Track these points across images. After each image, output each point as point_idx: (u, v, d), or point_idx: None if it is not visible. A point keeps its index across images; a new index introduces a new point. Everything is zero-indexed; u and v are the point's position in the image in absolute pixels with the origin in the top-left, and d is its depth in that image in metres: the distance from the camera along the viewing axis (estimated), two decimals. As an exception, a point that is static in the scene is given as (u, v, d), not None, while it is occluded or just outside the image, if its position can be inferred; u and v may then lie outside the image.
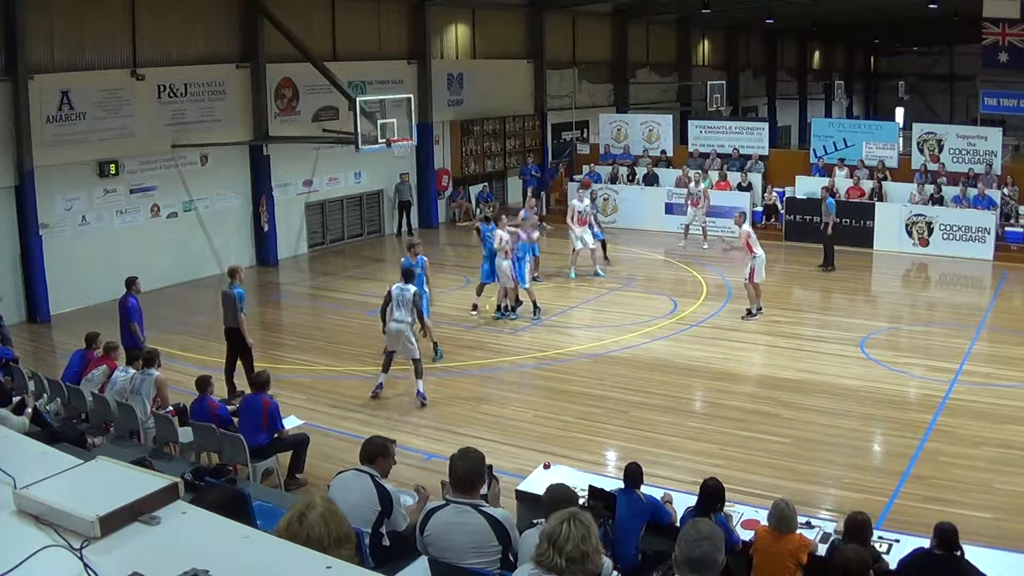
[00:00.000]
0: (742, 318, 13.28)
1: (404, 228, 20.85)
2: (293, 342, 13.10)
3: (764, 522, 5.79)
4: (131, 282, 10.86)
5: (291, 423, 8.71)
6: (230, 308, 10.49)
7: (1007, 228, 17.74)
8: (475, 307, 14.02)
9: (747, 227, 13.56)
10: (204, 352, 12.05)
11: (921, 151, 19.39)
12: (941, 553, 5.20)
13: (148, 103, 15.47)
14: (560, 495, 4.46)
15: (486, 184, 23.33)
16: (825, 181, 19.01)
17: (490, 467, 6.30)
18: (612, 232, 20.38)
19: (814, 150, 20.69)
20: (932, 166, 19.06)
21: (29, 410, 7.87)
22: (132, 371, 8.94)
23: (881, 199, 18.64)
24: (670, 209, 20.27)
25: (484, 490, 5.19)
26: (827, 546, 5.81)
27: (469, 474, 4.38)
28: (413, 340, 10.36)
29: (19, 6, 13.28)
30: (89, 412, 8.88)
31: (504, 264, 13.28)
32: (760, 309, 13.39)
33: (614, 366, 11.61)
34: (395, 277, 16.04)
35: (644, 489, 6.29)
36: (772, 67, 36.78)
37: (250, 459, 7.83)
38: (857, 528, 5.35)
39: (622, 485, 6.25)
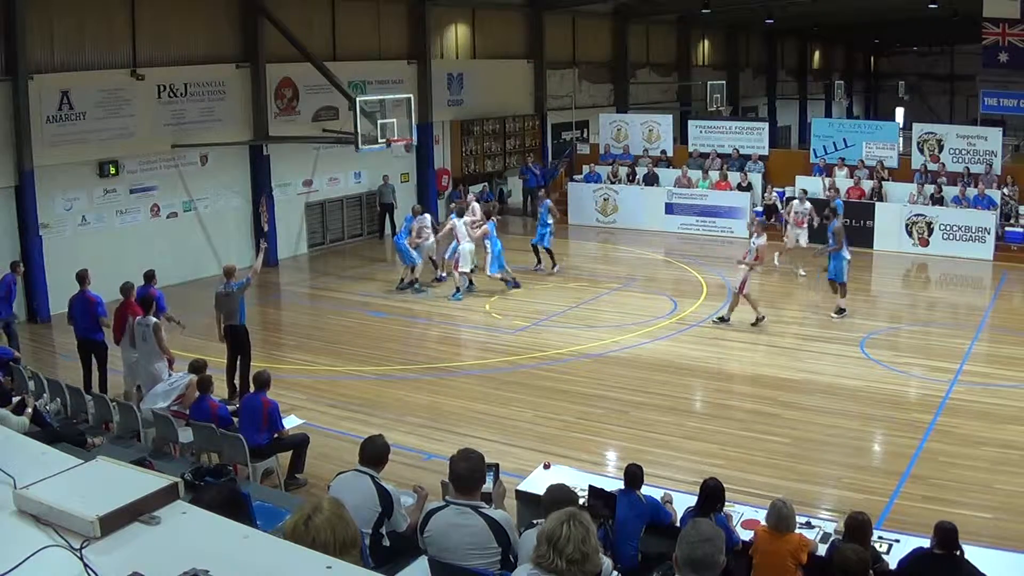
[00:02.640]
0: (752, 324, 12.98)
1: (388, 231, 20.36)
2: (293, 342, 13.11)
3: (763, 522, 5.79)
4: (151, 275, 10.93)
5: (291, 423, 8.71)
6: (227, 307, 10.46)
7: (1007, 228, 17.74)
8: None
9: (764, 240, 13.17)
10: (204, 352, 11.96)
11: (921, 151, 19.39)
12: (941, 553, 5.20)
13: (148, 103, 15.47)
14: (560, 495, 4.45)
15: (486, 184, 23.33)
16: (840, 182, 18.95)
17: (496, 466, 6.30)
18: (612, 232, 20.43)
19: (814, 150, 20.69)
20: (932, 166, 19.06)
21: (29, 410, 7.86)
22: (152, 319, 9.61)
23: (881, 199, 18.63)
24: (670, 209, 20.27)
25: (489, 487, 5.18)
26: (827, 546, 5.81)
27: (469, 475, 4.38)
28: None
29: (19, 6, 13.27)
30: (89, 412, 8.89)
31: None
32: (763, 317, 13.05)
33: (614, 366, 11.61)
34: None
35: (644, 489, 6.28)
36: (772, 67, 36.81)
37: (250, 459, 7.83)
38: (857, 528, 5.35)
39: (622, 486, 6.25)
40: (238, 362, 10.54)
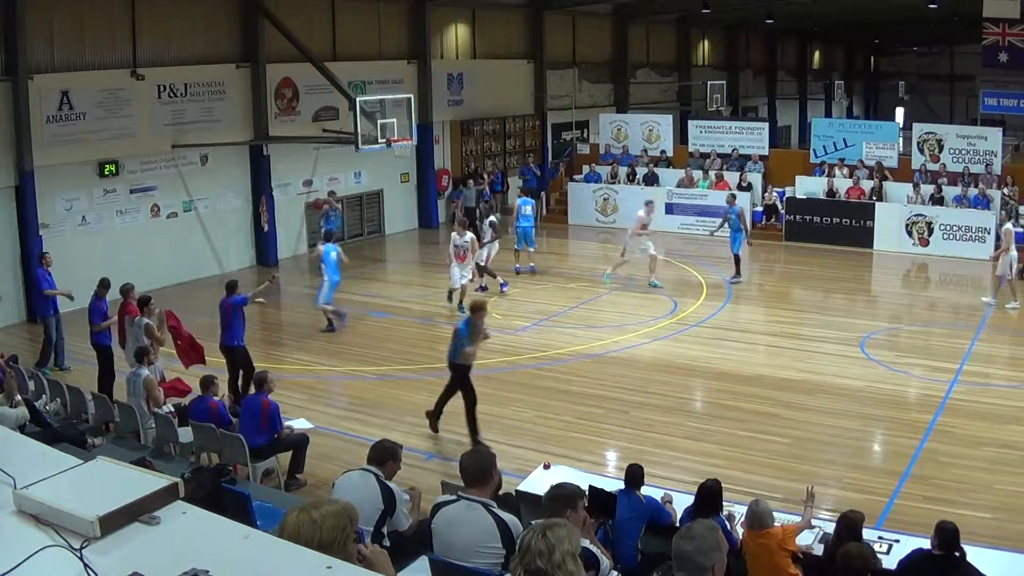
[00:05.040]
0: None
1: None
2: (293, 342, 13.10)
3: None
4: (233, 286, 10.50)
5: (301, 425, 8.74)
6: (456, 340, 9.29)
7: (1007, 228, 17.71)
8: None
9: None
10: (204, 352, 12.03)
11: (921, 151, 19.39)
12: (940, 554, 5.20)
13: (148, 103, 15.46)
14: (555, 494, 4.40)
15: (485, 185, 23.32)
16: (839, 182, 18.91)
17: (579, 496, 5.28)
18: (612, 232, 20.44)
19: (814, 150, 20.70)
20: (932, 166, 19.07)
21: (18, 397, 7.84)
22: (144, 320, 9.44)
23: (881, 199, 18.64)
24: (670, 209, 20.26)
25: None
26: (823, 545, 5.83)
27: (478, 471, 4.39)
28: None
29: (19, 6, 13.27)
30: (89, 412, 8.90)
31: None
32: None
33: (614, 366, 11.61)
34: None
35: (644, 489, 6.29)
36: (772, 67, 36.77)
37: (250, 459, 7.83)
38: (850, 526, 5.37)
39: (623, 486, 6.25)
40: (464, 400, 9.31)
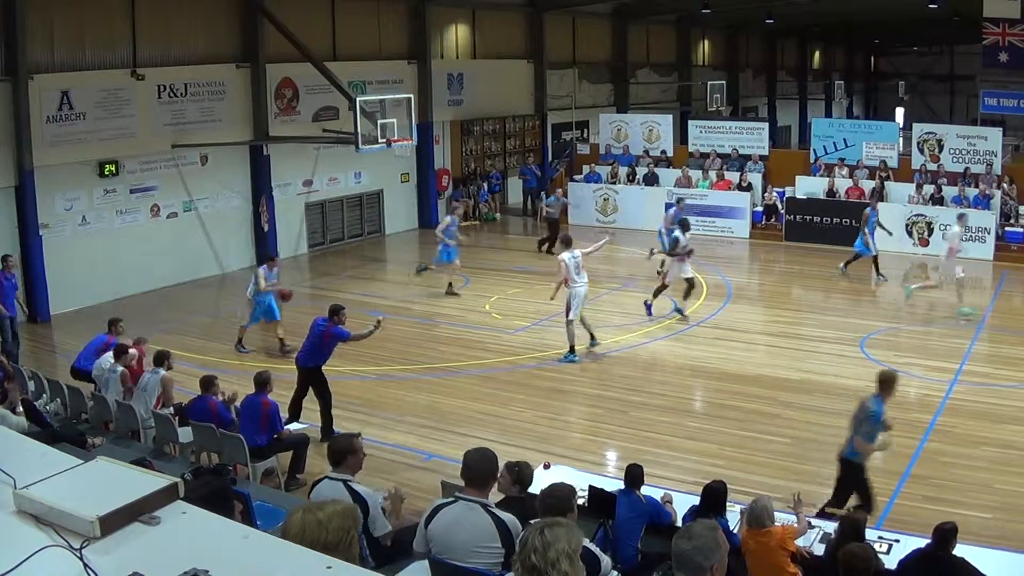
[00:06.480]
0: None
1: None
2: (294, 342, 13.05)
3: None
4: (337, 311, 9.67)
5: (296, 426, 8.73)
6: (861, 426, 6.99)
7: (1007, 228, 17.73)
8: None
9: None
10: (204, 352, 12.05)
11: (921, 151, 19.39)
12: (940, 554, 5.20)
13: (148, 103, 15.46)
14: (549, 504, 4.35)
15: (484, 184, 23.32)
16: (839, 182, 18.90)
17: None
18: (612, 232, 20.41)
19: (814, 150, 20.70)
20: (932, 166, 19.07)
21: (20, 408, 7.80)
22: (161, 371, 8.79)
23: (882, 199, 18.63)
24: (670, 209, 20.21)
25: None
26: (824, 546, 5.83)
27: (482, 472, 4.38)
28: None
29: (19, 6, 13.28)
30: (89, 412, 8.89)
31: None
32: None
33: (614, 366, 11.61)
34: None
35: (644, 489, 6.28)
36: (772, 67, 36.79)
37: (250, 459, 7.83)
38: (853, 527, 5.37)
39: (623, 485, 6.25)
40: None
